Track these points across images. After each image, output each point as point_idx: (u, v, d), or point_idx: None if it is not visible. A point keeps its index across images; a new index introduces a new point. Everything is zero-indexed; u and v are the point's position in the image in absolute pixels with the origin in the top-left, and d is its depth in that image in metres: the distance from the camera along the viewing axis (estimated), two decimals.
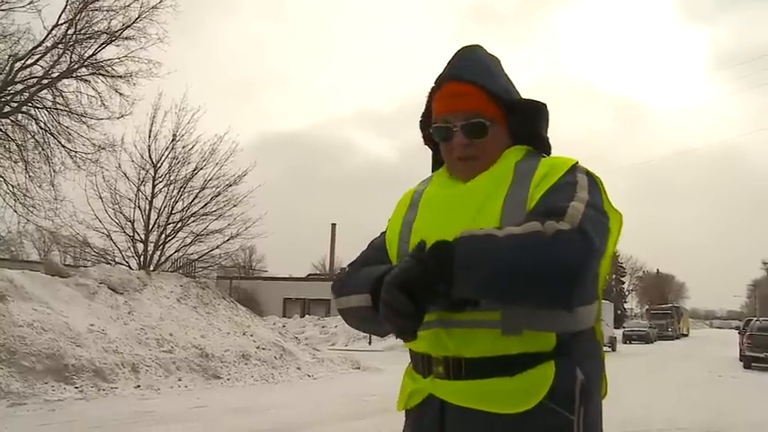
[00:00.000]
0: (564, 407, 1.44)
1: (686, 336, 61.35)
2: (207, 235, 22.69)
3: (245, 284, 42.32)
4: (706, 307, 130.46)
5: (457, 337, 1.46)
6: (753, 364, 21.03)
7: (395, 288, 1.35)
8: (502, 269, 1.31)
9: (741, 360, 22.41)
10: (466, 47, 1.71)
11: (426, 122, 1.72)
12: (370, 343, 28.19)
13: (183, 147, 22.27)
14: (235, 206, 22.50)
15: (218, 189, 22.50)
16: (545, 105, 1.68)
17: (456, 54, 1.69)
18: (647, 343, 42.11)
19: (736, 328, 38.73)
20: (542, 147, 1.67)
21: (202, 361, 13.18)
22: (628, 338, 42.07)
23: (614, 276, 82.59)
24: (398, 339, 1.44)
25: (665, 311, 58.57)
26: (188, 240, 22.69)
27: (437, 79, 1.67)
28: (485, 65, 1.67)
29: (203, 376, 12.77)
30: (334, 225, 57.98)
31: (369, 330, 1.84)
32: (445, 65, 1.68)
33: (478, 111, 1.59)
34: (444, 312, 1.45)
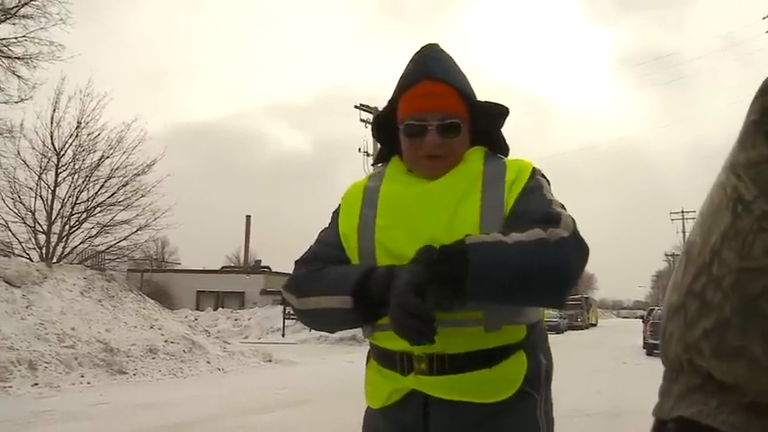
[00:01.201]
0: (534, 389, 1.57)
1: (595, 326, 63.26)
2: (114, 226, 21.83)
3: (157, 277, 41.22)
4: (614, 297, 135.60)
5: (441, 335, 1.45)
6: (654, 351, 21.78)
7: (410, 293, 1.37)
8: (513, 276, 1.39)
9: (644, 347, 23.16)
10: (430, 45, 1.74)
11: (387, 117, 1.75)
12: (283, 335, 27.95)
13: (89, 134, 21.26)
14: (143, 196, 21.72)
15: (126, 178, 21.67)
16: (507, 109, 1.75)
17: (423, 53, 1.71)
18: (557, 333, 43.20)
19: (641, 317, 40.31)
20: (499, 147, 1.75)
21: (107, 356, 12.67)
22: None
23: None
24: (413, 343, 1.43)
25: (574, 302, 60.11)
26: (94, 231, 21.78)
27: (408, 76, 1.69)
28: (452, 65, 1.72)
29: (107, 372, 12.27)
30: (248, 217, 57.20)
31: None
32: (411, 62, 1.71)
33: (453, 111, 1.64)
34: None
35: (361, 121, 34.33)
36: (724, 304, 0.76)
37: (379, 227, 1.61)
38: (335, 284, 1.54)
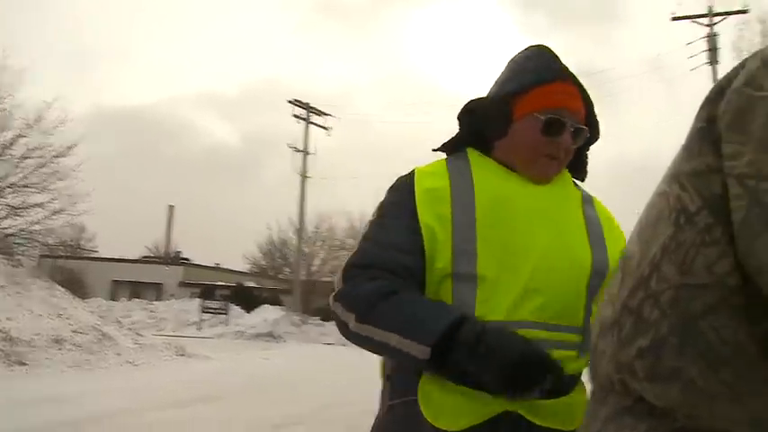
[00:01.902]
0: None
1: None
2: (26, 209, 20.96)
3: (72, 264, 39.84)
4: None
5: None
6: None
7: (543, 368, 1.30)
8: None
9: None
10: (547, 47, 1.63)
11: (481, 105, 1.62)
12: (199, 329, 27.52)
13: (3, 110, 20.37)
14: (61, 180, 20.93)
15: (44, 160, 20.84)
16: (599, 134, 1.68)
17: (547, 54, 1.61)
18: None
19: None
20: (581, 170, 1.70)
21: (6, 345, 12.07)
22: None
23: None
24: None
25: None
26: (3, 213, 20.82)
27: (545, 72, 1.57)
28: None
29: (5, 362, 11.68)
30: (171, 207, 55.94)
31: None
32: (541, 59, 1.59)
33: (583, 118, 1.59)
34: None
35: (294, 116, 34.08)
36: (661, 322, 0.71)
37: (482, 223, 1.45)
38: (415, 326, 1.35)
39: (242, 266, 48.46)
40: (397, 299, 1.39)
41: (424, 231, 1.44)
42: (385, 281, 1.42)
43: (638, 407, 0.74)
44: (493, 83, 1.64)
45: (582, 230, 1.53)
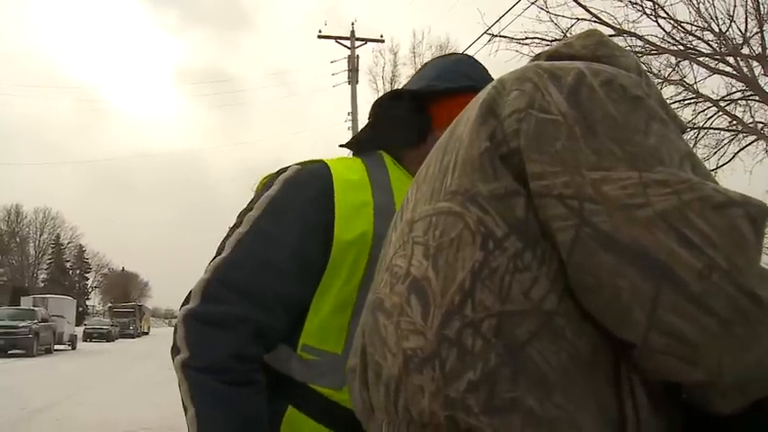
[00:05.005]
0: None
1: (147, 334, 62.78)
2: None
3: None
4: (167, 306, 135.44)
5: None
6: None
7: None
8: None
9: None
10: (474, 58, 1.45)
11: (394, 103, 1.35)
12: None
13: None
14: None
15: None
16: None
17: (476, 63, 1.42)
18: (108, 341, 41.86)
19: None
20: None
21: None
22: (89, 336, 41.19)
23: (79, 272, 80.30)
24: None
25: (127, 309, 59.07)
26: None
27: (454, 84, 1.32)
28: None
29: None
30: None
31: None
32: (469, 68, 1.37)
33: None
34: None
35: None
36: (487, 352, 0.69)
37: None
38: None
39: None
40: (237, 408, 1.11)
41: (336, 248, 1.18)
42: (248, 342, 1.13)
43: None
44: (409, 80, 1.45)
45: None
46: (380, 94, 26.58)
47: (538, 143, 0.72)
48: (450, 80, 1.33)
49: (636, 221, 0.65)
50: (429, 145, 1.19)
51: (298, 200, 1.21)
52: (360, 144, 1.41)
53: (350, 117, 27.26)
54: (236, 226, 1.21)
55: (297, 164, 1.29)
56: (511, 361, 0.69)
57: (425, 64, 1.48)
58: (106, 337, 42.19)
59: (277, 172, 1.28)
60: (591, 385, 0.69)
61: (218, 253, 1.18)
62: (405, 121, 1.34)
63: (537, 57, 0.96)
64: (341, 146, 1.48)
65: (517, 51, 10.09)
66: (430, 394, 0.73)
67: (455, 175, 0.77)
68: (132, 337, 52.12)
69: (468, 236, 0.73)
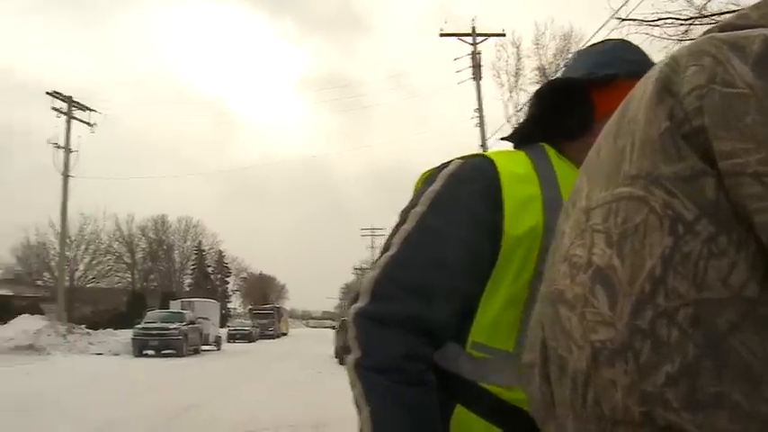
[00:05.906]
0: None
1: (286, 335, 65.02)
2: None
3: None
4: (304, 308, 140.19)
5: None
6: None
7: None
8: None
9: (336, 357, 24.26)
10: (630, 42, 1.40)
11: (574, 98, 1.30)
12: None
13: None
14: None
15: None
16: None
17: (621, 45, 1.36)
18: (250, 342, 43.84)
19: (332, 327, 42.24)
20: None
21: None
22: (232, 337, 43.23)
23: (220, 277, 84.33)
24: None
25: (267, 311, 61.40)
26: None
27: (614, 70, 1.27)
28: None
29: None
30: None
31: None
32: (631, 54, 1.32)
33: None
34: None
35: (54, 109, 31.42)
36: (685, 343, 0.65)
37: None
38: None
39: None
40: (411, 409, 1.10)
41: (512, 243, 1.15)
42: (419, 341, 1.11)
43: None
44: (565, 68, 1.40)
45: None
46: (505, 88, 26.53)
47: (725, 120, 0.67)
48: (611, 66, 1.27)
49: None
50: (593, 135, 1.12)
51: (463, 194, 1.18)
52: (521, 136, 1.36)
53: (476, 114, 27.14)
54: (400, 223, 1.18)
55: (459, 158, 1.25)
56: (712, 353, 0.64)
57: (576, 54, 1.42)
58: (248, 337, 44.26)
59: (439, 167, 1.24)
60: None
61: (385, 250, 1.16)
62: (567, 111, 1.29)
63: (707, 32, 0.89)
64: (502, 139, 1.43)
65: (647, 34, 9.67)
66: (623, 389, 0.69)
67: (633, 159, 0.73)
68: (272, 337, 54.14)
69: (655, 220, 0.68)
